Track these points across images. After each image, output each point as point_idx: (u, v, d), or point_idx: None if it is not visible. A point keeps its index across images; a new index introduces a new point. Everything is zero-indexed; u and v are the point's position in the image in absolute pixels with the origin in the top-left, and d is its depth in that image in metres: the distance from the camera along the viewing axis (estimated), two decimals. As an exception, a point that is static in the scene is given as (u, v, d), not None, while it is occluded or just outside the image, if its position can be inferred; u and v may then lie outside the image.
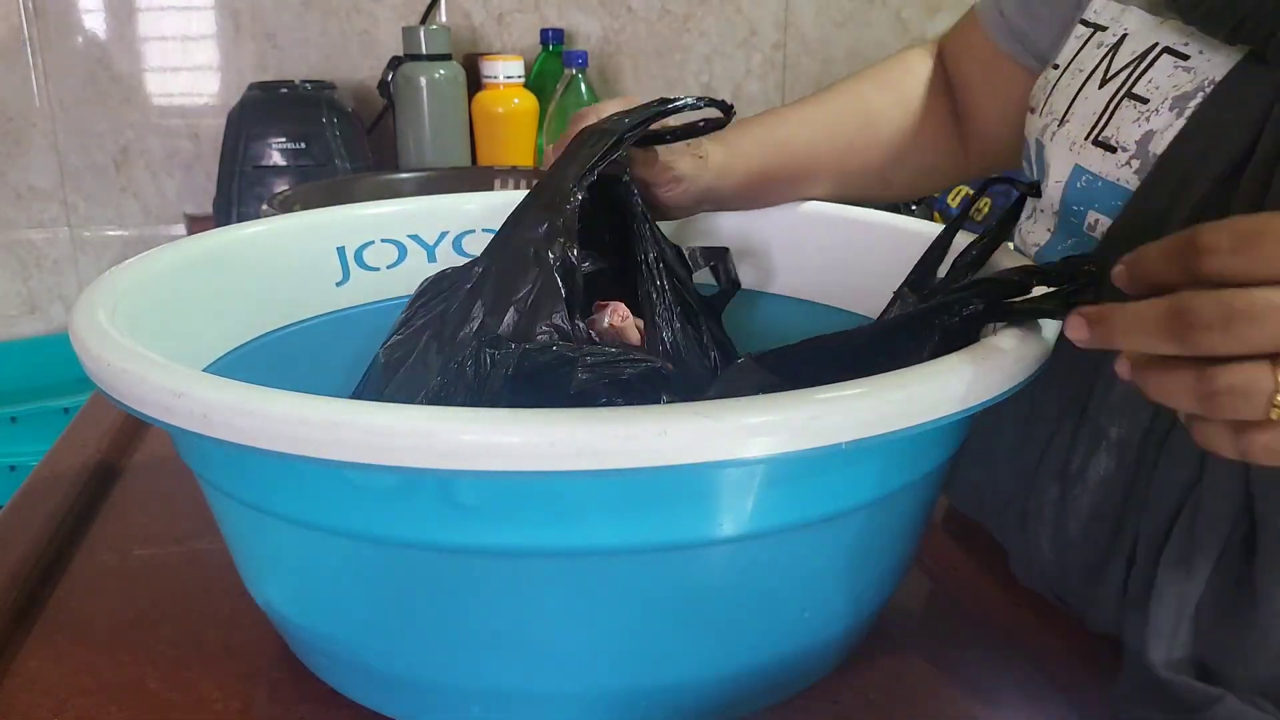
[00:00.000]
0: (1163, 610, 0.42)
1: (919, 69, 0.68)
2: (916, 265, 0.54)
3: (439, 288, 0.53)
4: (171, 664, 0.46)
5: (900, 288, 0.53)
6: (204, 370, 0.46)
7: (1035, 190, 0.51)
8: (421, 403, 0.45)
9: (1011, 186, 0.53)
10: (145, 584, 0.53)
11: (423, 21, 1.46)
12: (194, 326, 0.50)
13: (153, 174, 1.47)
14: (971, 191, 1.21)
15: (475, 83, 1.37)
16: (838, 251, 0.62)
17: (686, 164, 0.57)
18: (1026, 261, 0.50)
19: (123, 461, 0.66)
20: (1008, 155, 0.66)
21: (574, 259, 0.49)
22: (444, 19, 1.49)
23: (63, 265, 1.48)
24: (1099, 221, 0.48)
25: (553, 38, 1.45)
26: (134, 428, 0.69)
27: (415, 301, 0.53)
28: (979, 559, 0.55)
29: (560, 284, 0.48)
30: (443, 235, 0.62)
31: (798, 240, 0.63)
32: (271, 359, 0.54)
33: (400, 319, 0.53)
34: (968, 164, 0.69)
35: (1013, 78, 0.63)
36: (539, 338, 0.47)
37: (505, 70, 1.33)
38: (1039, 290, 0.42)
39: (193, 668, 0.46)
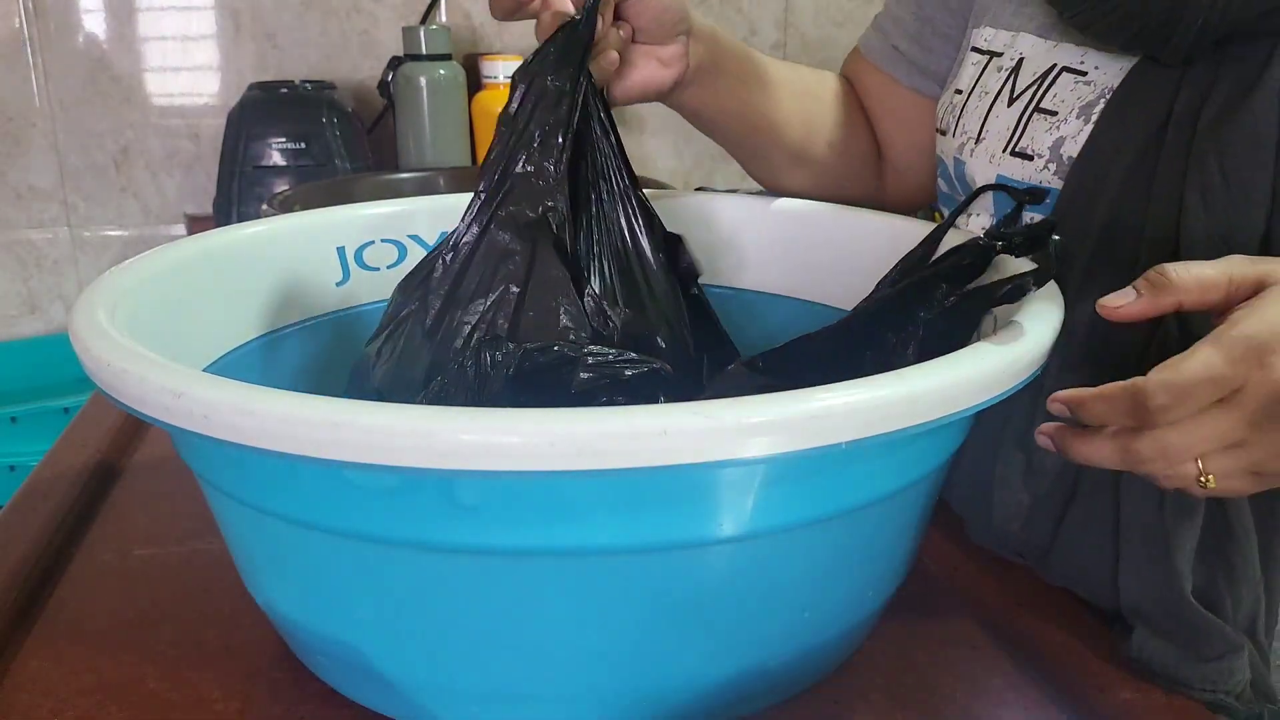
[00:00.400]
0: (1164, 549, 0.45)
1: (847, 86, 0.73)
2: (899, 263, 0.54)
3: (417, 279, 0.52)
4: (171, 664, 0.46)
5: (879, 284, 0.53)
6: (204, 370, 0.46)
7: (1032, 197, 0.53)
8: (421, 402, 0.45)
9: (1006, 193, 0.54)
10: (145, 584, 0.53)
11: (423, 21, 1.46)
12: (194, 326, 0.50)
13: (153, 174, 1.47)
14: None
15: (475, 83, 1.37)
16: (837, 250, 0.62)
17: None
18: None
19: (123, 461, 0.66)
20: (921, 179, 0.71)
21: (568, 239, 0.49)
22: (444, 19, 1.49)
23: (63, 265, 1.48)
24: (1033, 219, 0.53)
25: (553, 38, 1.45)
26: (134, 428, 0.69)
27: (395, 296, 0.53)
28: (979, 559, 0.55)
29: (563, 265, 0.48)
30: (443, 235, 0.62)
31: (798, 239, 0.63)
32: (271, 359, 0.54)
33: (385, 314, 0.53)
34: (884, 194, 0.74)
35: (912, 105, 0.68)
36: (551, 318, 0.47)
37: (505, 70, 1.33)
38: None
39: (193, 668, 0.46)
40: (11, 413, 1.32)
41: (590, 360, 0.42)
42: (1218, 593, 0.46)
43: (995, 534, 0.53)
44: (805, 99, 0.68)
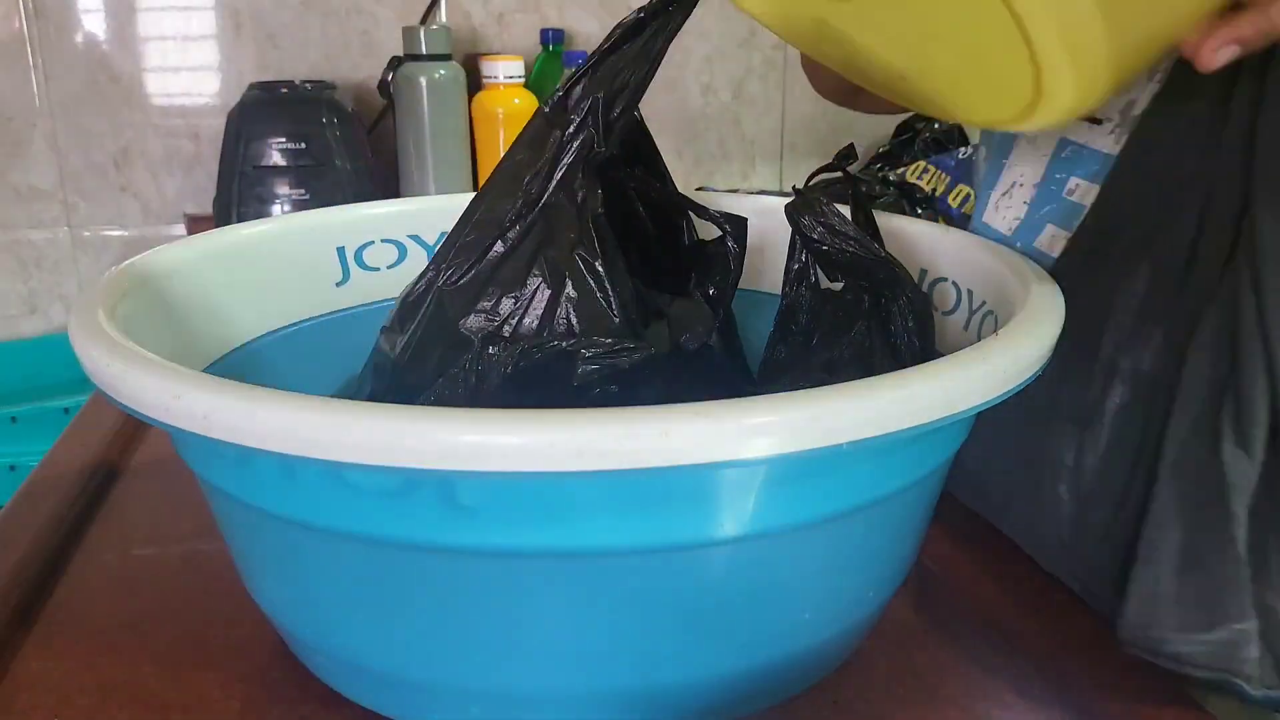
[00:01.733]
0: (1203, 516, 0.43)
1: None
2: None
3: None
4: (171, 664, 0.46)
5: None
6: (204, 370, 0.46)
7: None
8: (421, 402, 0.45)
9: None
10: (145, 584, 0.53)
11: (423, 21, 1.46)
12: (194, 326, 0.50)
13: (153, 174, 1.47)
14: (970, 190, 1.21)
15: (475, 83, 1.37)
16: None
17: None
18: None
19: (123, 461, 0.66)
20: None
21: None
22: (444, 19, 1.49)
23: (63, 265, 1.48)
24: (1079, 186, 0.52)
25: (553, 38, 1.45)
26: (134, 428, 0.69)
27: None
28: (979, 559, 0.55)
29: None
30: (443, 235, 0.62)
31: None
32: (271, 359, 0.54)
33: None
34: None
35: None
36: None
37: (505, 70, 1.33)
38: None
39: (193, 668, 0.46)
40: (11, 413, 1.32)
41: (588, 353, 0.42)
42: (1263, 546, 0.43)
43: (1049, 529, 0.50)
44: None
